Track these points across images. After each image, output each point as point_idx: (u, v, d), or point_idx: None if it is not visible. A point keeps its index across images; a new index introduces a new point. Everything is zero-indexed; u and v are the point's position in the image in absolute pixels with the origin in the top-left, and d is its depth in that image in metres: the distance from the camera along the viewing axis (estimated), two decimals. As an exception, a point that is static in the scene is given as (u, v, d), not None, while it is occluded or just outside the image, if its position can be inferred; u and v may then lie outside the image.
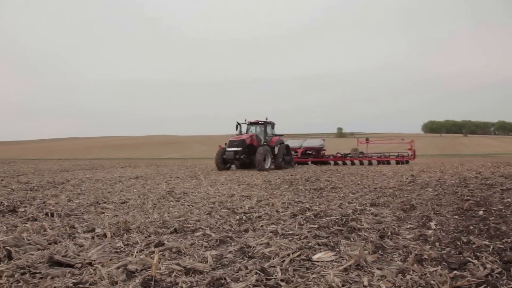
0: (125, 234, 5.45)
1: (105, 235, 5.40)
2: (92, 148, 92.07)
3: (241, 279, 3.64)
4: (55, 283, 3.50)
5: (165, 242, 4.96)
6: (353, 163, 29.49)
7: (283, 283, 3.54)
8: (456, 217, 6.75)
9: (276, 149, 23.96)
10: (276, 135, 25.16)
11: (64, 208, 7.61)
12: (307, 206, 7.86)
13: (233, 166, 24.20)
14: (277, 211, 7.33)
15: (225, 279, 3.61)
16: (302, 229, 5.77)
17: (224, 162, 22.86)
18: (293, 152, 29.31)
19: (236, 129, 24.33)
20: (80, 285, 3.46)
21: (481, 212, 6.96)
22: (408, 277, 3.65)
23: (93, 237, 5.30)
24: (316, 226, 5.93)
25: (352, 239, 5.18)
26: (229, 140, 23.09)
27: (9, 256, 4.24)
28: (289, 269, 3.88)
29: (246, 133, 24.24)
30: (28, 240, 4.91)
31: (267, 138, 24.07)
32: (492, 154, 57.29)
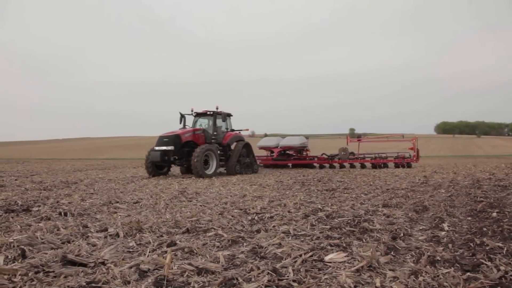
0: (137, 234, 5.48)
1: (117, 235, 5.44)
2: (104, 148, 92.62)
3: (253, 279, 3.65)
4: (69, 282, 3.53)
5: (178, 242, 4.98)
6: (342, 166, 24.68)
7: (295, 284, 3.53)
8: (469, 218, 6.70)
9: (232, 148, 19.50)
10: (233, 131, 19.99)
11: (77, 208, 7.68)
12: (319, 206, 7.85)
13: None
14: (289, 211, 7.33)
15: (237, 279, 3.62)
16: (314, 229, 5.76)
17: (157, 165, 17.75)
18: (269, 153, 25.96)
19: (180, 123, 18.82)
20: (93, 284, 3.48)
21: (494, 214, 6.89)
22: (420, 278, 3.63)
23: (106, 237, 5.34)
24: (328, 227, 5.92)
25: (364, 240, 5.15)
26: (159, 136, 17.77)
27: (23, 255, 4.29)
28: (301, 270, 3.87)
29: (193, 127, 18.95)
30: (42, 239, 4.96)
31: (215, 133, 18.71)
32: (506, 155, 56.65)
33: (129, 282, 3.56)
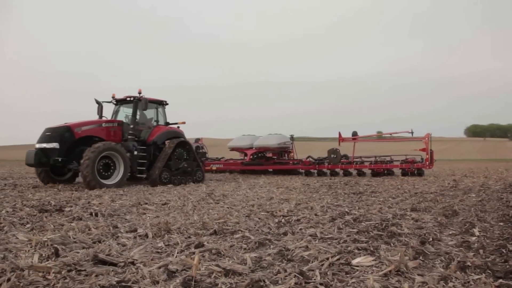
0: (166, 235, 5.54)
1: (146, 235, 5.51)
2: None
3: (280, 281, 3.65)
4: (100, 280, 3.60)
5: (205, 243, 5.01)
6: (333, 173, 20.16)
7: (322, 287, 3.53)
8: (501, 224, 6.56)
9: (163, 149, 14.38)
10: (168, 124, 15.34)
11: (107, 209, 7.82)
12: (346, 210, 7.80)
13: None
14: (316, 214, 7.30)
15: (264, 281, 3.63)
16: (341, 233, 5.73)
17: (52, 170, 13.07)
18: (243, 155, 21.99)
19: (98, 113, 14.47)
20: (123, 284, 3.55)
21: (527, 219, 6.74)
22: (450, 284, 3.58)
23: (135, 237, 5.42)
24: (355, 230, 5.88)
25: (392, 244, 5.10)
26: (45, 128, 12.74)
27: (57, 254, 4.40)
28: (328, 273, 3.86)
29: (115, 118, 14.56)
30: (74, 238, 5.08)
31: (133, 127, 13.88)
32: (540, 159, 55.07)
33: (158, 282, 3.61)
